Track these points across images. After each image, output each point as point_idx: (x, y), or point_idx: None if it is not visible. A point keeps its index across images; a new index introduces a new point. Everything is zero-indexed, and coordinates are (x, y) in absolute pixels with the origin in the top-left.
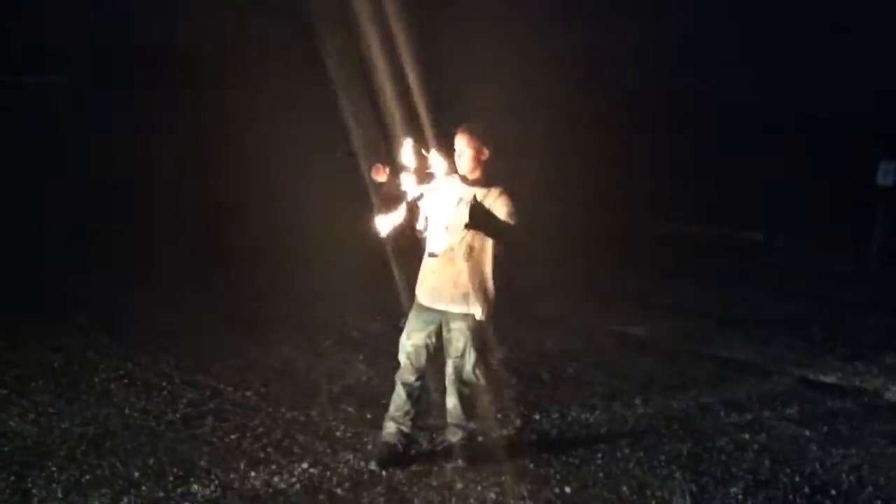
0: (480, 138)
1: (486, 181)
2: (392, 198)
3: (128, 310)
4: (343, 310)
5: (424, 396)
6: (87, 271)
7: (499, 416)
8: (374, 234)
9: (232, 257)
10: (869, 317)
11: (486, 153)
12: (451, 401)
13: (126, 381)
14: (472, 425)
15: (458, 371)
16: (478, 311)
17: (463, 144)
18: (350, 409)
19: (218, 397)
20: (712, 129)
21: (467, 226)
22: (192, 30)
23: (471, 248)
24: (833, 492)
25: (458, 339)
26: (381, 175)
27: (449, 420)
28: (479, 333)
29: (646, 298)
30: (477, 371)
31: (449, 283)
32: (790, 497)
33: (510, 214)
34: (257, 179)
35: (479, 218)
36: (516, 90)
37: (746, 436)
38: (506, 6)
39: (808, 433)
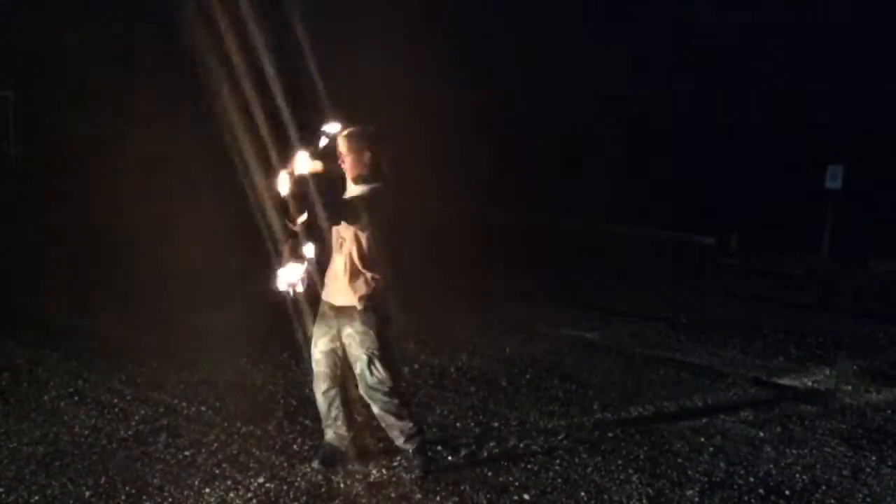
0: (361, 140)
1: (368, 179)
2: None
3: (77, 326)
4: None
5: (348, 396)
6: (35, 287)
7: (457, 424)
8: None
9: (181, 272)
10: (820, 318)
11: (367, 155)
12: (375, 409)
13: (76, 398)
14: (409, 424)
15: (362, 378)
16: (351, 300)
17: (344, 148)
18: (307, 422)
19: (171, 413)
20: (666, 134)
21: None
22: None
23: (342, 240)
24: (787, 492)
25: (351, 346)
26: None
27: (384, 425)
28: (366, 335)
29: (601, 303)
30: (373, 369)
31: (332, 276)
32: (745, 498)
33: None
34: (200, 195)
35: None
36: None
37: (702, 438)
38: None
39: (762, 434)
